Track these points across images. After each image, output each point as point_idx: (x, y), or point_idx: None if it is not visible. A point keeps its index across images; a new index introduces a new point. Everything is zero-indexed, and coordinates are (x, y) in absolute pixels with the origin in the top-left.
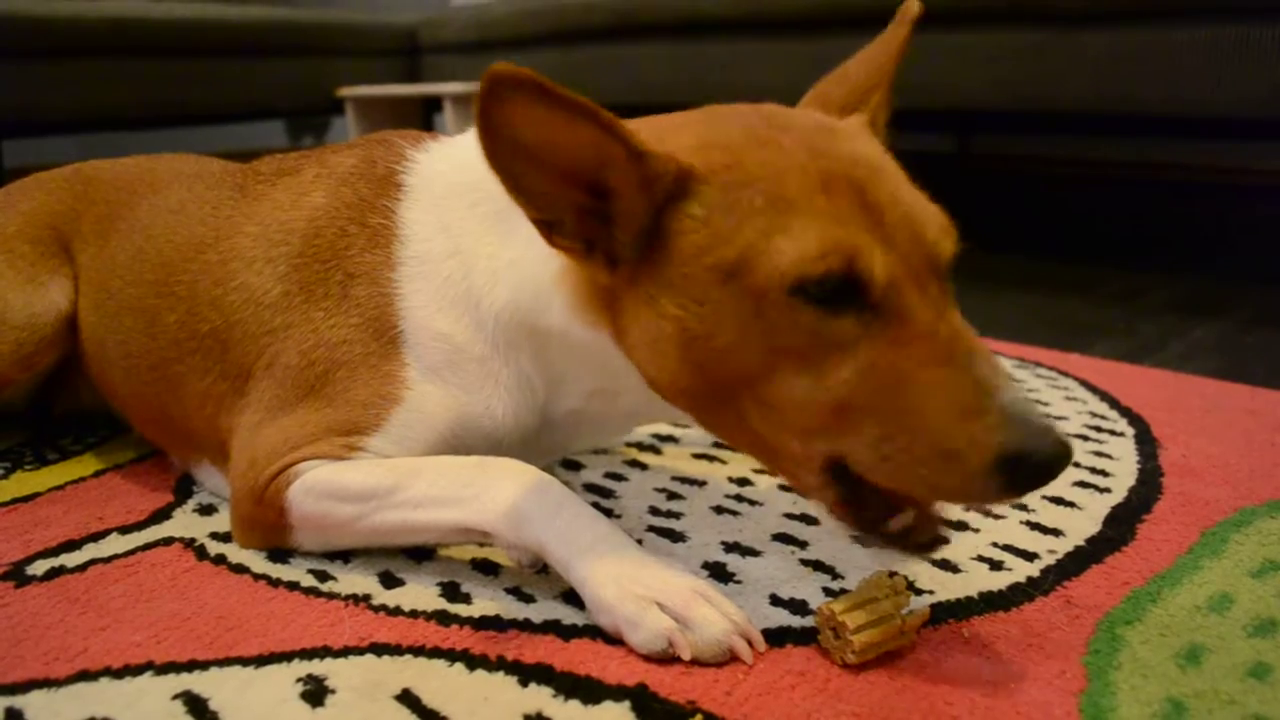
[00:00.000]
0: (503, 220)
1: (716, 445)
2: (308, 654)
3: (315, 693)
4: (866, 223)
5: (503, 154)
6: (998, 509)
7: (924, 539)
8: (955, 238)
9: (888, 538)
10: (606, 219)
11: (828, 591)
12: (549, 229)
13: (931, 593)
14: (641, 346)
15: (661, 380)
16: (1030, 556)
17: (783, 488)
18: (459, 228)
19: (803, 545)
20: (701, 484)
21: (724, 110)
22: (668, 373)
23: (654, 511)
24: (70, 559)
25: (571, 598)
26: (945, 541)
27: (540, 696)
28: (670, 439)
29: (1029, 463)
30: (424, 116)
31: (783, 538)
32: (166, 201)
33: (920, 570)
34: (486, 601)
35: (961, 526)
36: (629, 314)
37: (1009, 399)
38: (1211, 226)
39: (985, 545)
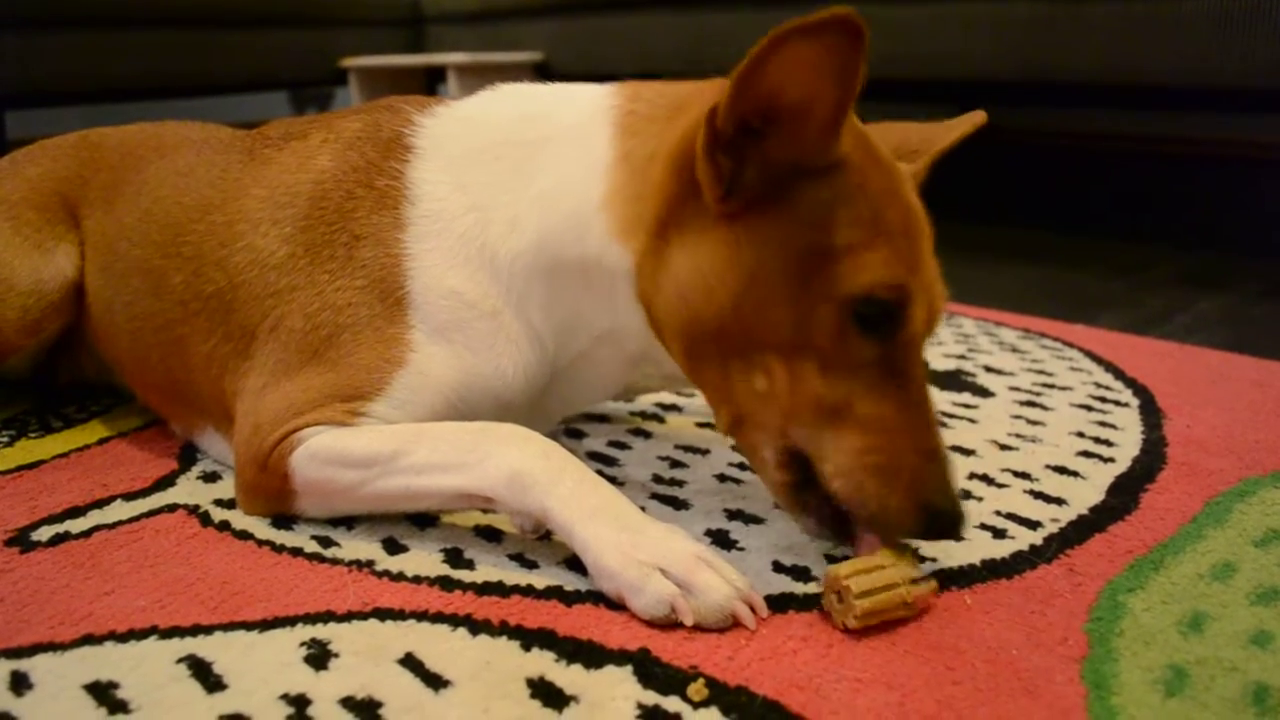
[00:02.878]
0: (523, 169)
1: None
2: (311, 619)
3: (319, 656)
4: (917, 273)
5: (753, 88)
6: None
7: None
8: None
9: (821, 530)
10: (743, 155)
11: (830, 558)
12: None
13: (934, 560)
14: (684, 276)
15: (668, 314)
16: (1033, 525)
17: None
18: (478, 185)
19: None
20: (705, 452)
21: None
22: (697, 310)
23: (657, 479)
24: (75, 525)
25: (574, 564)
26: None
27: (543, 661)
28: (674, 408)
29: (943, 521)
30: (427, 86)
31: None
32: (174, 165)
33: None
34: (489, 567)
35: (966, 495)
36: (685, 250)
37: (947, 465)
38: (1219, 199)
39: (989, 513)
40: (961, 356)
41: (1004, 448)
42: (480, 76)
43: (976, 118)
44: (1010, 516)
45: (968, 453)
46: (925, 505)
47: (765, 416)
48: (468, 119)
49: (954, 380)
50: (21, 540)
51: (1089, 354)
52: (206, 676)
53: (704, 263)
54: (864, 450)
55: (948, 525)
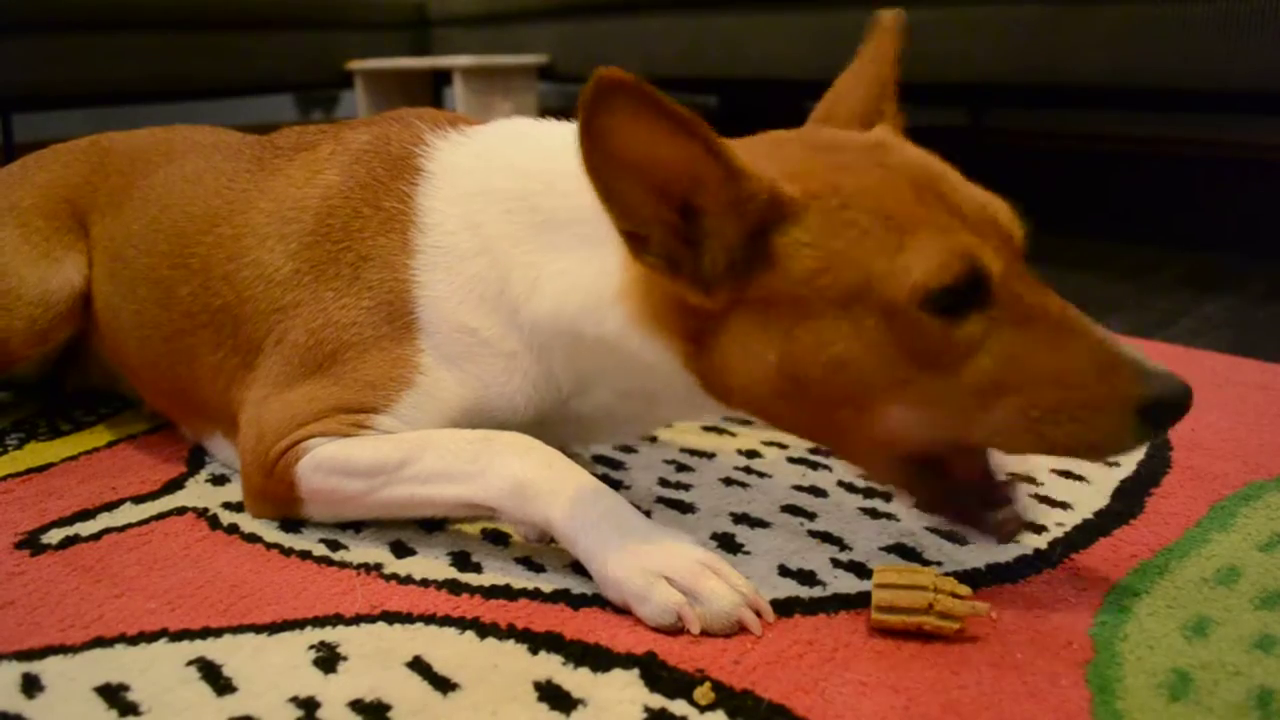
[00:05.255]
0: (546, 231)
1: (726, 418)
2: (320, 622)
3: (327, 659)
4: (960, 222)
5: (599, 161)
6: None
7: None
8: (1021, 220)
9: (978, 525)
10: (693, 242)
11: (835, 562)
12: (636, 243)
13: (939, 564)
14: (734, 364)
15: (742, 394)
16: (1038, 529)
17: (791, 460)
18: (492, 230)
19: (811, 517)
20: (710, 456)
21: (780, 139)
22: (758, 390)
23: (663, 483)
24: (84, 528)
25: (581, 568)
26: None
27: (550, 664)
28: None
29: (1166, 405)
30: (434, 90)
31: (791, 509)
32: (182, 171)
33: (929, 542)
34: (496, 571)
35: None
36: (729, 334)
37: (1132, 355)
38: (1225, 201)
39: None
40: None
41: None
42: (486, 80)
43: (885, 21)
44: None
45: None
46: (1131, 414)
47: (897, 445)
48: (483, 156)
49: None
50: (31, 543)
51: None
52: (216, 679)
53: (750, 351)
54: (1029, 406)
55: (1171, 410)
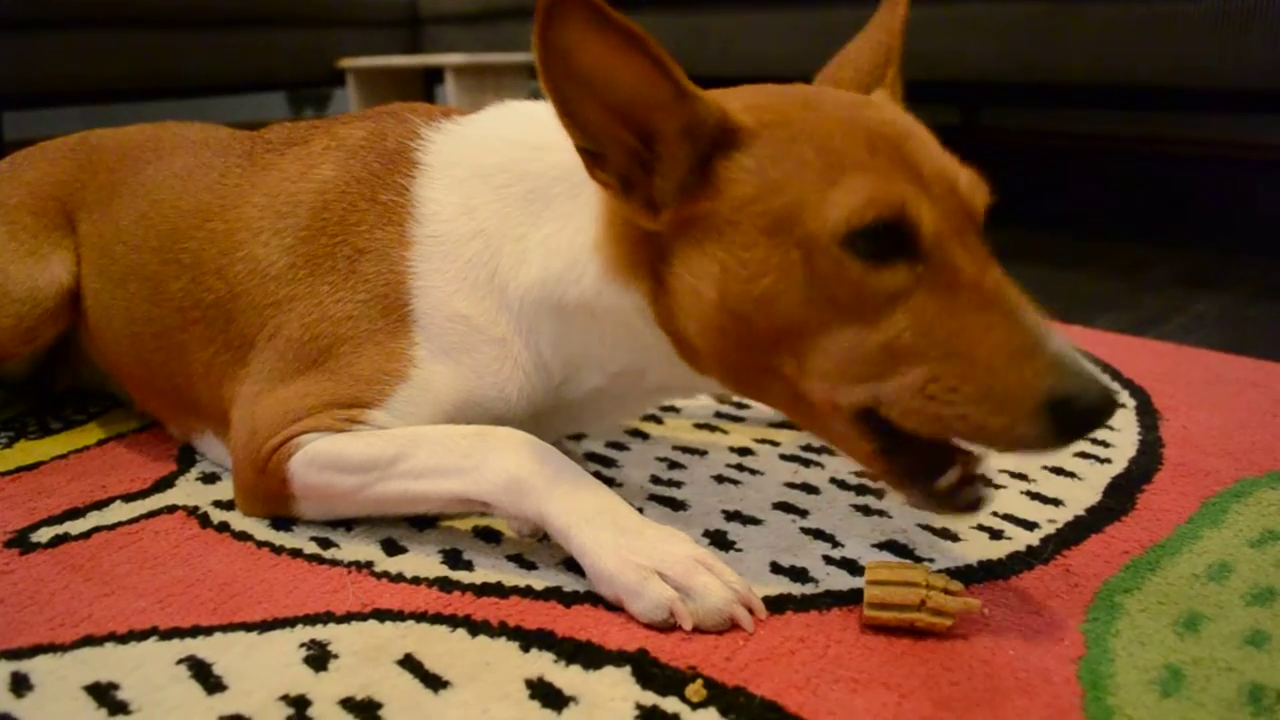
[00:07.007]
0: (533, 200)
1: (718, 415)
2: (311, 620)
3: (318, 658)
4: (909, 177)
5: (556, 75)
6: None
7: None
8: (987, 191)
9: (929, 495)
10: (649, 166)
11: (827, 559)
12: (593, 160)
13: (931, 561)
14: (681, 297)
15: (696, 335)
16: (1030, 526)
17: (784, 457)
18: (485, 210)
19: (803, 514)
20: (703, 453)
21: (764, 86)
22: (705, 325)
23: (655, 480)
24: (74, 526)
25: (572, 565)
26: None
27: (541, 661)
28: (672, 409)
29: (1077, 407)
30: (425, 87)
31: (783, 506)
32: (172, 166)
33: (921, 539)
34: (488, 569)
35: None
36: (675, 262)
37: (1058, 347)
38: (1216, 200)
39: (985, 514)
40: None
41: None
42: (478, 77)
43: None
44: (1007, 517)
45: None
46: (1036, 408)
47: (827, 394)
48: (473, 140)
49: None
50: (21, 542)
51: (1086, 355)
52: (206, 677)
53: (684, 280)
54: (931, 379)
55: (1082, 415)
